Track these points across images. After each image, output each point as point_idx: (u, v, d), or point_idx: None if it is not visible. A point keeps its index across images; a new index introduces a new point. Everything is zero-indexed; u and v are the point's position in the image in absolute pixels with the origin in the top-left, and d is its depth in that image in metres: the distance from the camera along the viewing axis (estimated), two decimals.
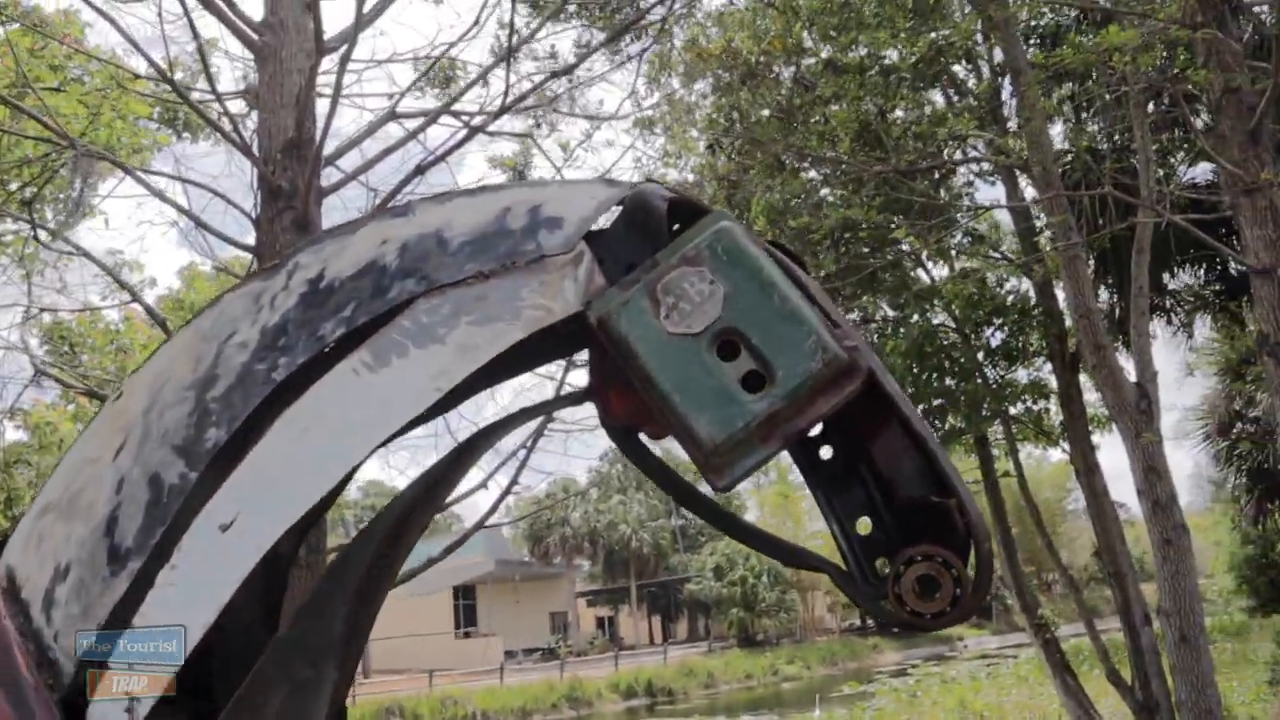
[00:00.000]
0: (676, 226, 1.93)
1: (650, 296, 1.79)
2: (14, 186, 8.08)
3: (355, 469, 1.88)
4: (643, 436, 1.99)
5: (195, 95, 9.49)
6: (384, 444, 1.87)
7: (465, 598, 57.61)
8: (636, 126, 11.89)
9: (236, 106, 9.61)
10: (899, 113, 14.80)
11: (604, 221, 2.00)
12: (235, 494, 1.80)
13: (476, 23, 7.50)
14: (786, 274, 1.81)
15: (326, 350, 1.93)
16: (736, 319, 1.75)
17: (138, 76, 8.70)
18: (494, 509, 8.13)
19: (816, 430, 1.93)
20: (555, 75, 8.33)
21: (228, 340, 1.98)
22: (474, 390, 2.34)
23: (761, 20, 14.68)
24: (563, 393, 2.32)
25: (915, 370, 15.95)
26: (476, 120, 7.60)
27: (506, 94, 6.92)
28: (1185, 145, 15.71)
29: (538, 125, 10.42)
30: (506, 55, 6.72)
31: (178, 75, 9.49)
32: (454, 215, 1.98)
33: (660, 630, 68.27)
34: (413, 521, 2.09)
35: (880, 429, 1.85)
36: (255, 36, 7.92)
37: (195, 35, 6.31)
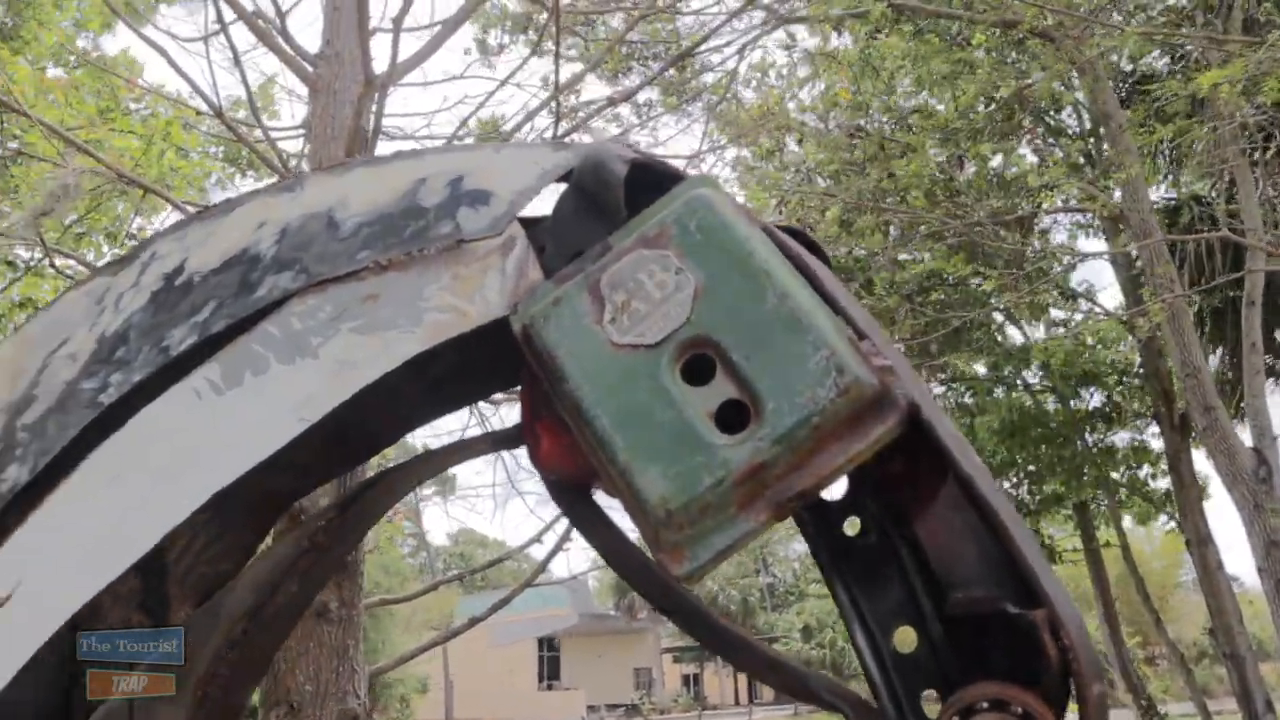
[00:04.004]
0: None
1: (591, 293, 1.25)
2: (69, 220, 8.00)
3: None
4: (599, 496, 1.43)
5: (259, 132, 9.33)
6: (230, 491, 1.35)
7: (549, 649, 57.03)
8: None
9: (297, 145, 9.47)
10: (971, 167, 14.13)
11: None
12: (18, 557, 1.31)
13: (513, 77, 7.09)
14: (792, 262, 1.26)
15: (171, 365, 1.43)
16: (711, 325, 1.19)
17: (199, 113, 8.57)
18: (544, 566, 7.59)
19: (837, 493, 1.36)
20: (610, 102, 7.93)
21: (56, 350, 1.51)
22: (408, 420, 1.83)
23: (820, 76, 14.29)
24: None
25: (1010, 445, 15.03)
26: None
27: (556, 126, 6.49)
28: None
29: None
30: (555, 92, 6.32)
31: (241, 113, 9.40)
32: (352, 190, 1.48)
33: (746, 690, 66.47)
34: (286, 597, 1.56)
35: (929, 496, 1.24)
36: (310, 69, 7.71)
37: (238, 63, 6.05)
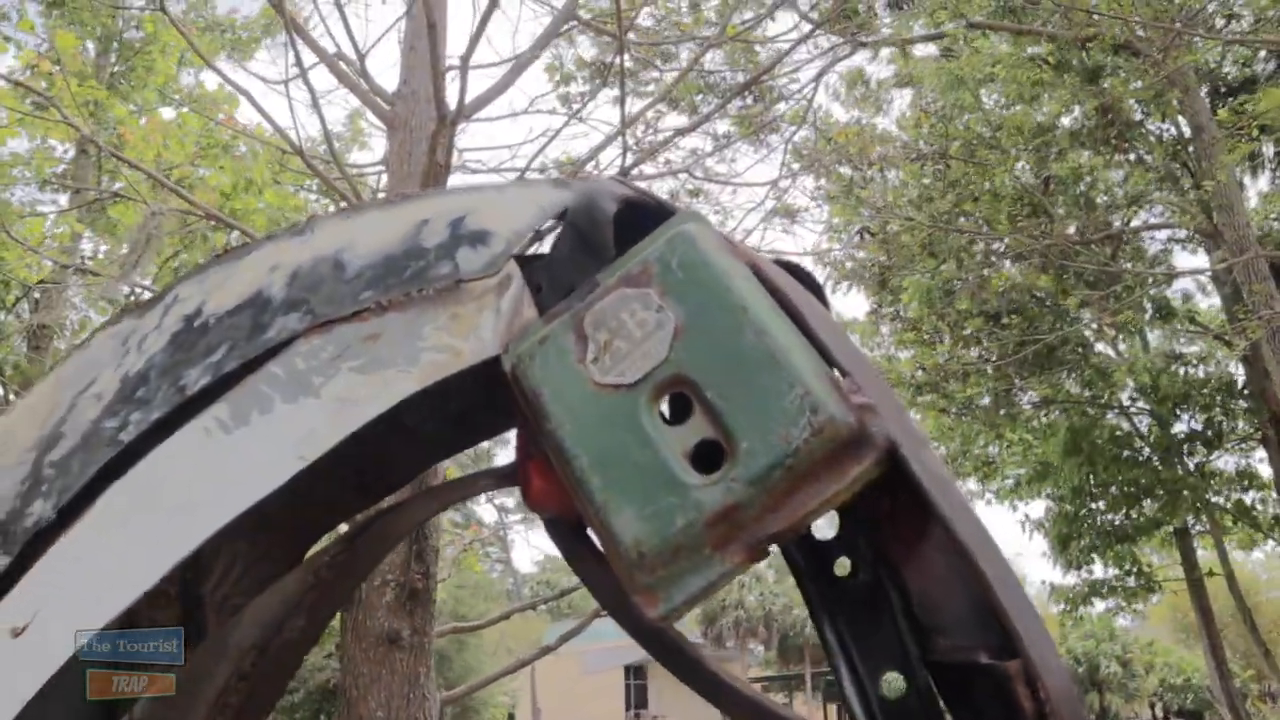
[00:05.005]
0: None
1: (576, 332, 1.26)
2: (166, 256, 8.39)
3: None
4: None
5: (348, 169, 9.61)
6: (235, 524, 1.39)
7: (637, 677, 56.99)
8: (777, 215, 11.32)
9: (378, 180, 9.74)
10: (1058, 174, 13.78)
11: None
12: (36, 590, 1.37)
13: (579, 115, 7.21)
14: (778, 300, 1.24)
15: (186, 404, 1.48)
16: (688, 363, 1.18)
17: (284, 152, 8.89)
18: None
19: (828, 532, 1.34)
20: (678, 134, 7.98)
21: (85, 390, 1.57)
22: (426, 456, 1.86)
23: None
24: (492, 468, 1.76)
25: (1080, 464, 14.60)
26: None
27: (624, 157, 6.55)
28: None
29: (672, 196, 10.08)
30: (622, 126, 6.38)
31: (324, 148, 9.71)
32: (360, 232, 1.52)
33: (836, 718, 65.39)
34: (293, 632, 1.60)
35: (913, 537, 1.21)
36: (387, 107, 7.94)
37: (316, 105, 6.27)
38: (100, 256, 10.04)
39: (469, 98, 7.45)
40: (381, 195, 8.03)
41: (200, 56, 7.04)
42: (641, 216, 1.40)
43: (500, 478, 1.51)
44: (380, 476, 1.85)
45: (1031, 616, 1.09)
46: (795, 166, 12.18)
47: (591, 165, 7.91)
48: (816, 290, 1.39)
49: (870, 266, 15.35)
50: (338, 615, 5.98)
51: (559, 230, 1.46)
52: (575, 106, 11.93)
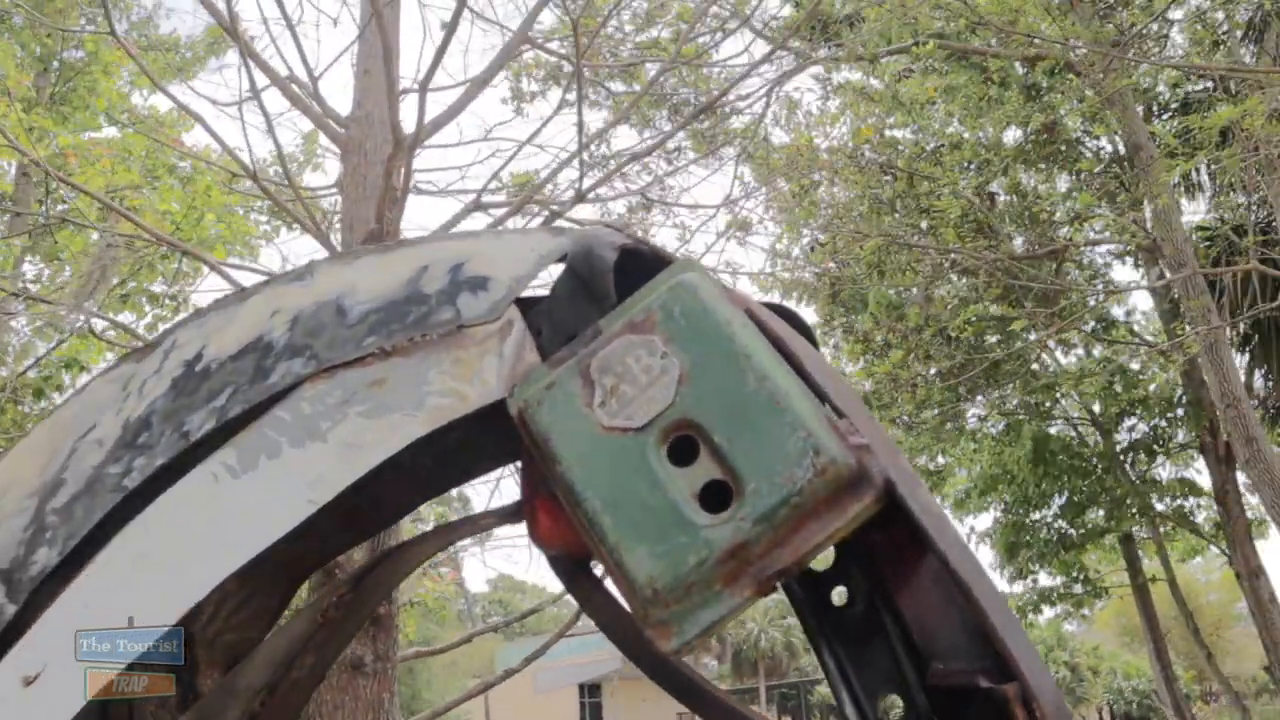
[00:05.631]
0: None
1: (582, 377, 1.31)
2: (115, 282, 8.27)
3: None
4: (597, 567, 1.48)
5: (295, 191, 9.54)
6: (247, 568, 1.42)
7: (591, 695, 56.71)
8: (731, 229, 11.43)
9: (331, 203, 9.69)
10: (1003, 196, 14.11)
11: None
12: (46, 638, 1.38)
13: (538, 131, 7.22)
14: (774, 345, 1.31)
15: (190, 449, 1.50)
16: (694, 407, 1.24)
17: (234, 175, 8.82)
18: (580, 614, 7.59)
19: (825, 563, 1.40)
20: (634, 158, 8.05)
21: (85, 435, 1.58)
22: (422, 492, 1.89)
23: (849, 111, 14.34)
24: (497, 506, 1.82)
25: (1041, 473, 14.93)
26: (556, 208, 7.34)
27: (581, 180, 6.61)
28: None
29: (629, 212, 10.15)
30: (579, 150, 6.45)
31: (275, 170, 9.64)
32: (360, 278, 1.56)
33: None
34: (301, 670, 1.62)
35: (909, 568, 1.29)
36: (340, 130, 7.91)
37: (271, 130, 6.25)
38: (45, 283, 9.83)
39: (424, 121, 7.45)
40: (337, 218, 7.99)
41: (152, 80, 6.99)
42: (637, 264, 1.46)
43: (505, 516, 1.55)
44: (373, 514, 1.88)
45: (1024, 642, 1.16)
46: (747, 175, 12.31)
47: (550, 187, 7.95)
48: (806, 332, 1.45)
49: (822, 278, 15.54)
50: None
51: (558, 277, 1.51)
52: (526, 109, 11.96)
